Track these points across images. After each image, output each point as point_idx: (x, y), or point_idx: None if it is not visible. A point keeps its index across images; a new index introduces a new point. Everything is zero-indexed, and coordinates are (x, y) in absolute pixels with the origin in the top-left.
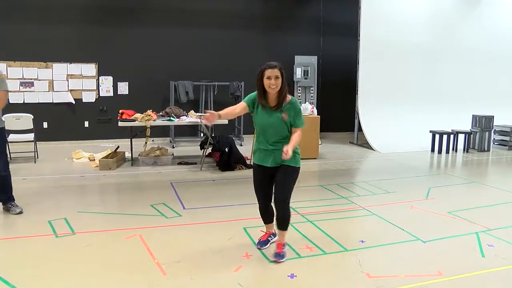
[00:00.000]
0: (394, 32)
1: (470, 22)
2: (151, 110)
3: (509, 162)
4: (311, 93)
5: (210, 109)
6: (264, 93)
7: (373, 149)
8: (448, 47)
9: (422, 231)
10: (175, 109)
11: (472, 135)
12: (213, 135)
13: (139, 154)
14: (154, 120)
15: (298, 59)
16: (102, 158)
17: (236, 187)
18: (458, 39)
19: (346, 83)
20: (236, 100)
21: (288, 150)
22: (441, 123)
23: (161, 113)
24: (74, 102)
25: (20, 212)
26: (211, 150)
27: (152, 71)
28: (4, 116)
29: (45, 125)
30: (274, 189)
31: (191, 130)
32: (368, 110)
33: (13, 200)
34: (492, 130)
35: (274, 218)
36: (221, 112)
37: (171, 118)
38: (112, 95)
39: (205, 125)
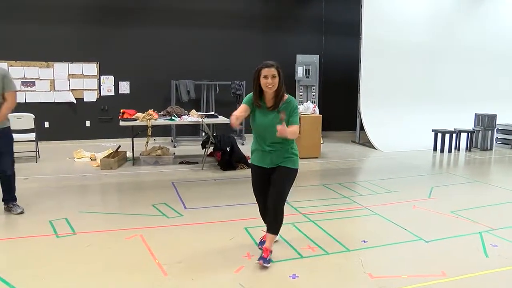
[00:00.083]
0: (396, 31)
1: (473, 21)
2: (152, 110)
3: None
4: (313, 92)
5: (211, 109)
6: (261, 93)
7: (375, 148)
8: (450, 47)
9: (425, 231)
10: (177, 108)
11: (474, 134)
12: (214, 134)
13: (140, 154)
14: (156, 120)
15: (299, 58)
16: (104, 157)
17: (238, 186)
18: (460, 38)
19: (348, 82)
20: (238, 99)
21: (283, 127)
22: (442, 123)
23: (162, 113)
24: (75, 102)
25: (21, 212)
26: (213, 149)
27: (153, 70)
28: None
29: (46, 124)
30: (269, 191)
31: (192, 130)
32: (370, 109)
33: (15, 200)
34: (495, 129)
35: (267, 218)
36: (237, 114)
37: (173, 118)
38: (113, 94)
39: (207, 125)
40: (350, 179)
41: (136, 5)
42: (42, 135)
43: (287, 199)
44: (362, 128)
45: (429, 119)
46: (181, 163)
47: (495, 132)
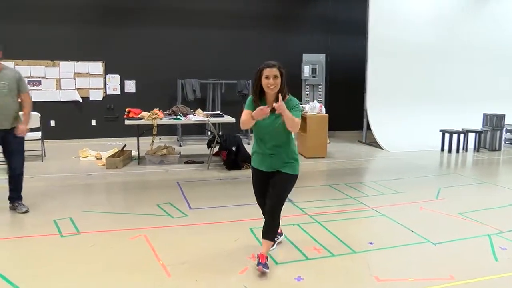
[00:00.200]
0: (402, 31)
1: (481, 20)
2: (158, 109)
3: None
4: (319, 91)
5: (217, 108)
6: (262, 93)
7: (381, 148)
8: (457, 47)
9: (432, 233)
10: (182, 107)
11: (483, 134)
12: (220, 133)
13: (146, 153)
14: (161, 119)
15: (306, 57)
16: (109, 156)
17: (243, 186)
18: (467, 39)
19: (354, 81)
20: (244, 98)
21: (281, 103)
22: (450, 123)
23: (168, 112)
24: (81, 101)
25: (26, 211)
26: (219, 149)
27: (159, 69)
28: None
29: (52, 123)
30: (268, 192)
31: (198, 129)
32: (377, 109)
33: (21, 199)
34: (504, 129)
35: (263, 224)
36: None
37: (178, 117)
38: (119, 93)
39: (213, 124)
40: (356, 179)
41: (143, 5)
42: (48, 133)
43: (292, 200)
44: (368, 127)
45: (436, 119)
46: (187, 162)
47: (503, 132)
